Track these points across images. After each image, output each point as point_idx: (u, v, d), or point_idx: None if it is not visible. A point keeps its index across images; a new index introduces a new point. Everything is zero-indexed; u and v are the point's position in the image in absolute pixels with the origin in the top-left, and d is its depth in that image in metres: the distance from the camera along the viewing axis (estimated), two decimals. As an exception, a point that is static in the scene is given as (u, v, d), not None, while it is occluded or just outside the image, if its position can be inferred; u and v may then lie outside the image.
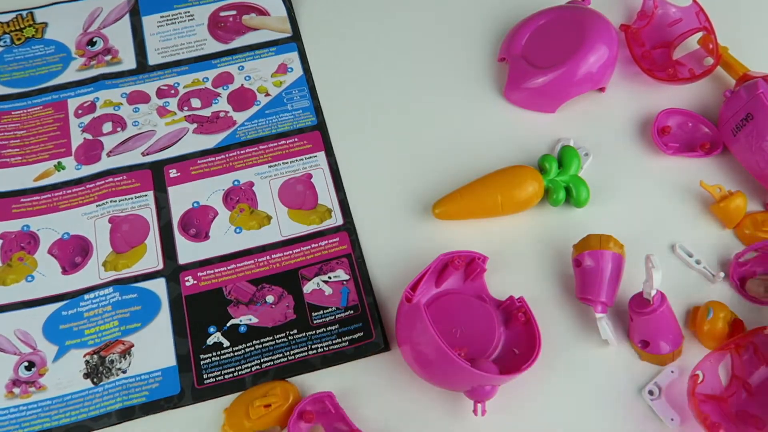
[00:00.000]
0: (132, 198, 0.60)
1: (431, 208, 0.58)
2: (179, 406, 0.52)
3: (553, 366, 0.52)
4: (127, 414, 0.51)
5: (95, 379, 0.52)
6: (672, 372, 0.52)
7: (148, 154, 0.63)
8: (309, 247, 0.58)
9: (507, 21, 0.71)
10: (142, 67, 0.68)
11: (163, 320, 0.55)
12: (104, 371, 0.53)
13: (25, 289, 0.56)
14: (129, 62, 0.68)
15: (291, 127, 0.64)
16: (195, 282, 0.57)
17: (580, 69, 0.62)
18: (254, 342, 0.54)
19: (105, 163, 0.62)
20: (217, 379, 0.53)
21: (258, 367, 0.53)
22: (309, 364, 0.53)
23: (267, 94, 0.67)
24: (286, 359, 0.53)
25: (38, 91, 0.67)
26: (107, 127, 0.64)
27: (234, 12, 0.72)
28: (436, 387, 0.50)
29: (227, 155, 0.63)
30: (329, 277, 0.57)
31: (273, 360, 0.53)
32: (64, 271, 0.57)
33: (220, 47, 0.70)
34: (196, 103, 0.66)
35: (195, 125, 0.65)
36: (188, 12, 0.72)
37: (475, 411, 0.48)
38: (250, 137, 0.64)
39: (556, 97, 0.64)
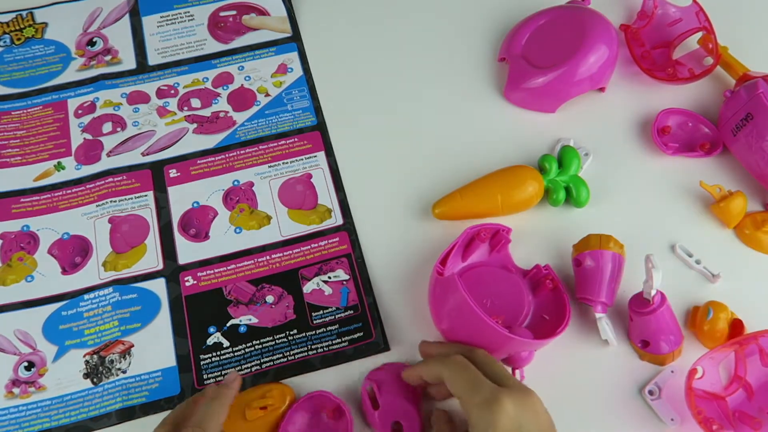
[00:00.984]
0: (132, 198, 0.60)
1: (431, 208, 0.58)
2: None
3: (553, 366, 0.52)
4: (127, 414, 0.51)
5: (95, 380, 0.52)
6: (672, 372, 0.52)
7: (148, 154, 0.63)
8: (309, 247, 0.58)
9: (507, 21, 0.71)
10: (142, 67, 0.68)
11: (163, 320, 0.55)
12: (104, 371, 0.53)
13: (25, 289, 0.56)
14: (129, 62, 0.68)
15: (291, 128, 0.64)
16: (195, 282, 0.57)
17: (580, 69, 0.62)
18: (254, 342, 0.54)
19: (105, 163, 0.62)
20: (217, 379, 0.53)
21: (258, 367, 0.53)
22: (309, 364, 0.53)
23: (267, 95, 0.66)
24: (286, 359, 0.53)
25: (38, 91, 0.67)
26: (107, 127, 0.64)
27: (234, 12, 0.72)
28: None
29: (227, 155, 0.63)
30: (329, 277, 0.57)
31: (273, 360, 0.53)
32: (64, 271, 0.57)
33: (220, 47, 0.70)
34: (196, 103, 0.66)
35: (195, 125, 0.65)
36: (188, 12, 0.72)
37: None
38: (250, 137, 0.64)
39: (556, 97, 0.64)
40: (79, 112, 0.65)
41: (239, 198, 0.61)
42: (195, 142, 0.64)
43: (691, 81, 0.64)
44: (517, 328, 0.50)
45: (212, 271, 0.57)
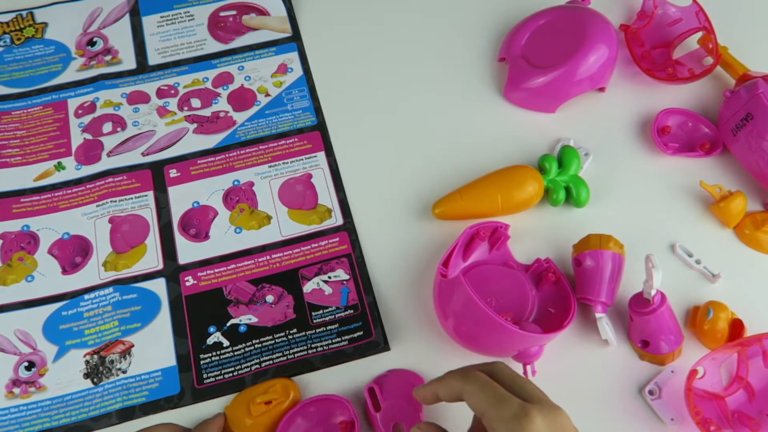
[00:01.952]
0: (132, 198, 0.60)
1: (431, 208, 0.58)
2: (179, 406, 0.52)
3: (553, 366, 0.52)
4: (128, 414, 0.51)
5: (95, 379, 0.53)
6: (672, 372, 0.52)
7: (148, 154, 0.63)
8: (309, 247, 0.58)
9: (507, 21, 0.71)
10: (142, 67, 0.68)
11: (163, 320, 0.55)
12: (104, 371, 0.53)
13: (25, 289, 0.56)
14: (129, 62, 0.68)
15: (291, 127, 0.64)
16: (195, 282, 0.57)
17: (580, 69, 0.62)
18: (254, 341, 0.54)
19: (105, 163, 0.62)
20: (216, 378, 0.53)
21: (258, 366, 0.53)
22: (309, 363, 0.53)
23: (267, 95, 0.67)
24: (285, 358, 0.53)
25: (38, 91, 0.67)
26: (107, 127, 0.64)
27: (234, 12, 0.72)
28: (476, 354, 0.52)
29: (227, 155, 0.63)
30: (329, 277, 0.57)
31: (273, 359, 0.53)
32: (64, 271, 0.57)
33: (220, 47, 0.70)
34: (196, 103, 0.66)
35: (195, 125, 0.65)
36: (188, 12, 0.72)
37: (525, 373, 0.50)
38: (250, 137, 0.64)
39: (556, 97, 0.64)
40: (80, 112, 0.65)
41: (239, 198, 0.61)
42: (195, 142, 0.64)
43: (691, 81, 0.64)
44: (525, 324, 0.50)
45: (212, 271, 0.57)
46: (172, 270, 0.57)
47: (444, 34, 0.71)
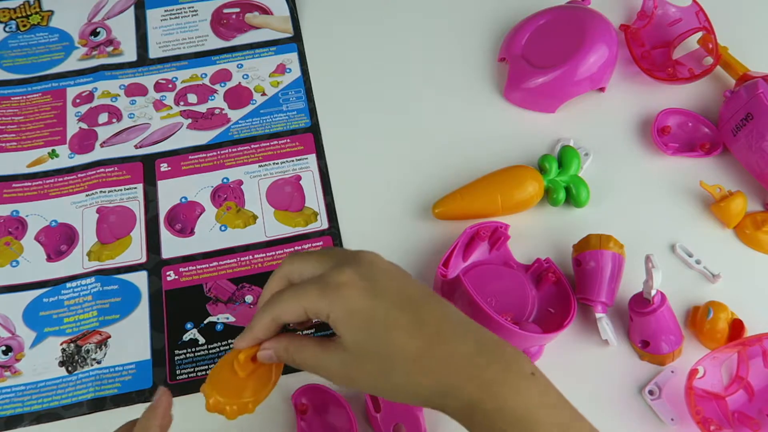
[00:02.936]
0: (121, 190, 0.61)
1: (431, 208, 0.58)
2: (150, 400, 0.52)
3: (553, 366, 0.52)
4: (99, 405, 0.51)
5: (70, 368, 0.53)
6: (672, 372, 0.52)
7: (140, 147, 0.63)
8: (292, 249, 0.58)
9: (507, 21, 0.71)
10: (143, 60, 0.69)
11: (142, 313, 0.55)
12: (79, 360, 0.53)
13: (9, 273, 0.57)
14: (130, 54, 0.69)
15: (284, 128, 0.64)
16: (176, 277, 0.57)
17: (580, 69, 0.62)
18: (229, 341, 0.54)
19: (98, 153, 0.63)
20: (189, 375, 0.53)
21: (231, 366, 0.53)
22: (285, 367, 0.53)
23: (263, 94, 0.67)
24: (259, 360, 0.53)
25: (39, 78, 0.67)
26: (103, 117, 0.65)
27: (237, 9, 0.72)
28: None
29: (219, 152, 0.63)
30: (309, 281, 0.56)
31: (246, 360, 0.53)
32: (49, 258, 0.58)
33: (221, 44, 0.70)
34: (192, 98, 0.66)
35: (189, 120, 0.65)
36: (192, 7, 0.72)
37: None
38: (243, 136, 0.64)
39: (556, 97, 0.64)
40: (77, 101, 0.66)
41: (227, 196, 0.61)
42: (188, 138, 0.64)
43: (691, 81, 0.64)
44: (526, 324, 0.50)
45: (194, 267, 0.57)
46: (154, 264, 0.57)
47: (444, 35, 0.71)
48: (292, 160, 0.63)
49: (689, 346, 0.53)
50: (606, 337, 0.52)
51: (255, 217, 0.60)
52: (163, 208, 0.60)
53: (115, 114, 0.65)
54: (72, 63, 0.68)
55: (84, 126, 0.64)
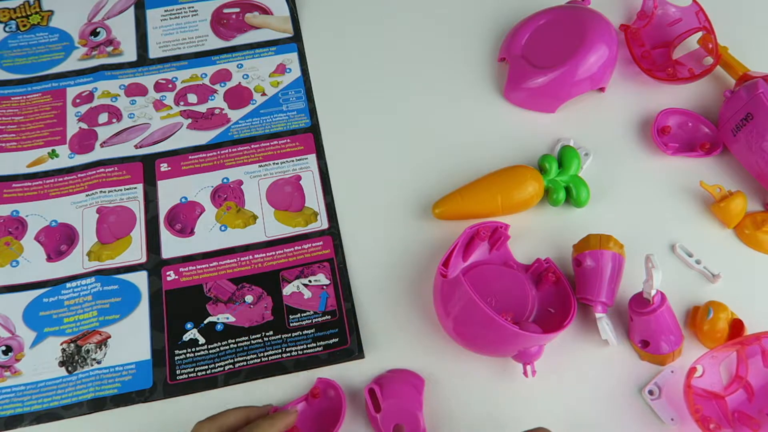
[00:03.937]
0: (121, 190, 0.61)
1: (431, 208, 0.58)
2: (150, 400, 0.52)
3: (554, 366, 0.52)
4: (99, 405, 0.51)
5: (70, 368, 0.53)
6: (672, 372, 0.52)
7: (140, 147, 0.63)
8: (292, 249, 0.58)
9: (507, 21, 0.71)
10: (143, 60, 0.69)
11: (142, 313, 0.55)
12: (79, 360, 0.53)
13: (9, 273, 0.57)
14: (130, 54, 0.69)
15: (284, 128, 0.64)
16: (176, 277, 0.57)
17: (580, 69, 0.62)
18: (229, 341, 0.54)
19: (98, 154, 0.63)
20: (189, 375, 0.53)
21: (231, 366, 0.53)
22: (281, 367, 0.53)
23: (263, 94, 0.67)
24: (259, 360, 0.53)
25: (39, 78, 0.67)
26: (103, 117, 0.65)
27: (237, 9, 0.72)
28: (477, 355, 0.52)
29: (219, 152, 0.63)
30: (309, 281, 0.56)
31: (246, 360, 0.53)
32: (49, 258, 0.58)
33: (221, 44, 0.70)
34: (192, 98, 0.66)
35: (189, 120, 0.65)
36: (192, 7, 0.72)
37: (525, 373, 0.50)
38: (243, 136, 0.64)
39: (556, 97, 0.64)
40: (77, 101, 0.66)
41: (227, 196, 0.61)
42: (188, 138, 0.64)
43: (691, 81, 0.64)
44: (526, 324, 0.50)
45: (194, 268, 0.57)
46: (154, 264, 0.57)
47: (444, 35, 0.71)
48: (292, 160, 0.63)
49: (689, 346, 0.53)
50: (606, 337, 0.52)
51: (255, 217, 0.60)
52: (163, 208, 0.60)
53: (115, 114, 0.65)
54: (72, 63, 0.68)
55: (84, 126, 0.64)
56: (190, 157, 0.63)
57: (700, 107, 0.65)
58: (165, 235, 0.59)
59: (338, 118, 0.65)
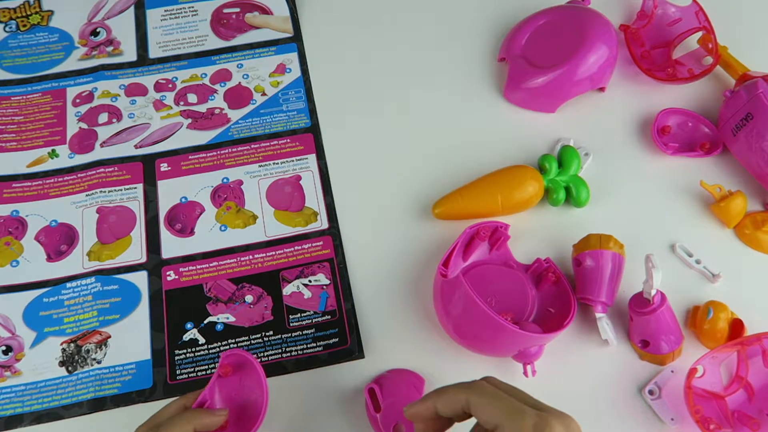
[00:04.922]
0: (121, 189, 0.61)
1: (431, 208, 0.58)
2: (150, 400, 0.52)
3: (553, 366, 0.52)
4: (99, 405, 0.51)
5: (70, 368, 0.53)
6: (672, 372, 0.52)
7: (140, 147, 0.63)
8: (292, 249, 0.58)
9: (507, 21, 0.71)
10: (143, 60, 0.69)
11: (142, 313, 0.55)
12: (79, 360, 0.53)
13: (9, 273, 0.57)
14: (130, 54, 0.69)
15: (284, 128, 0.64)
16: (176, 277, 0.57)
17: (580, 69, 0.62)
18: (229, 341, 0.54)
19: (98, 153, 0.63)
20: (189, 375, 0.53)
21: (231, 366, 0.53)
22: (281, 367, 0.53)
23: (263, 94, 0.67)
24: (259, 360, 0.53)
25: (39, 78, 0.67)
26: (103, 117, 0.65)
27: (237, 9, 0.72)
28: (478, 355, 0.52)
29: (219, 152, 0.63)
30: (309, 281, 0.57)
31: (246, 360, 0.53)
32: (49, 258, 0.58)
33: (221, 44, 0.70)
34: (192, 98, 0.66)
35: (189, 120, 0.65)
36: (192, 7, 0.72)
37: (525, 373, 0.50)
38: (243, 135, 0.64)
39: (556, 97, 0.64)
40: (77, 101, 0.66)
41: (227, 196, 0.61)
42: (188, 138, 0.64)
43: (691, 81, 0.64)
44: (526, 324, 0.50)
45: (194, 267, 0.57)
46: (154, 264, 0.57)
47: (444, 35, 0.71)
48: (292, 160, 0.63)
49: (689, 346, 0.53)
50: (606, 337, 0.52)
51: (255, 217, 0.60)
52: (163, 208, 0.60)
53: (115, 114, 0.65)
54: (72, 63, 0.68)
55: (84, 126, 0.64)
56: (190, 157, 0.63)
57: (700, 107, 0.65)
58: (165, 235, 0.59)
59: (338, 118, 0.65)
